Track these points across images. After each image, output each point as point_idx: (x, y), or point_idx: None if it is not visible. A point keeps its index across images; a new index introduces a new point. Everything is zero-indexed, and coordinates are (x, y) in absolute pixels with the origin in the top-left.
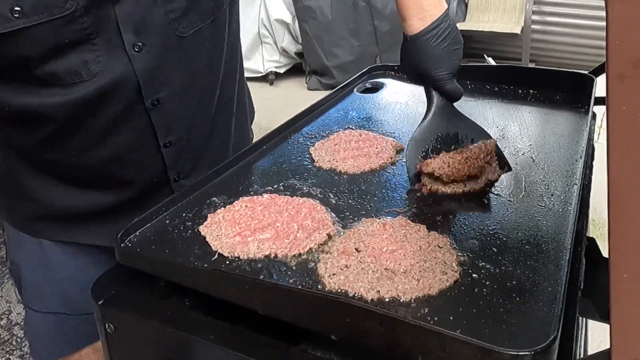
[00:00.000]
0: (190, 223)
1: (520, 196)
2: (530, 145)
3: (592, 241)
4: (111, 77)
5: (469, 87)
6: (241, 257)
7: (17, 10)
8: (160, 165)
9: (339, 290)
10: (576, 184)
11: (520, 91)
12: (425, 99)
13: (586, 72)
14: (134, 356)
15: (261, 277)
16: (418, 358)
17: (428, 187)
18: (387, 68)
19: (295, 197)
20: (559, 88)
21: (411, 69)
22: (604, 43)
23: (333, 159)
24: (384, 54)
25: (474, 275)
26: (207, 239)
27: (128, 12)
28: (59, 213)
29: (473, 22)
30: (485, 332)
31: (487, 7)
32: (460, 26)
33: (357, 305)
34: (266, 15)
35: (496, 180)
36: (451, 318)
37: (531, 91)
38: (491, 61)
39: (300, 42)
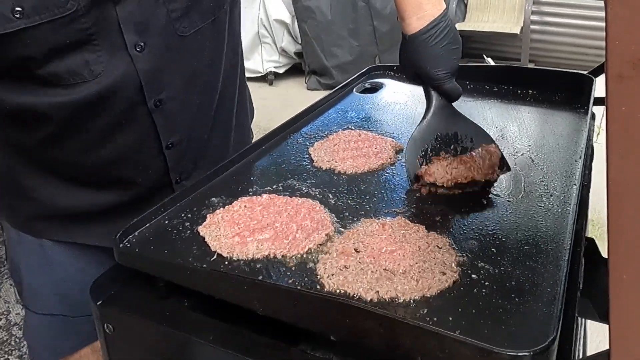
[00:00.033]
0: (189, 223)
1: (520, 196)
2: (530, 145)
3: (591, 241)
4: (113, 78)
5: (468, 87)
6: (240, 258)
7: (17, 11)
8: (163, 167)
9: (338, 291)
10: (575, 185)
11: (519, 91)
12: (424, 99)
13: (585, 72)
14: (133, 356)
15: (260, 277)
16: (417, 358)
17: (427, 189)
18: (386, 68)
19: (294, 197)
20: (558, 88)
21: (410, 68)
22: (603, 43)
23: (332, 159)
24: (384, 54)
25: (473, 275)
26: (206, 239)
27: (129, 12)
28: (60, 213)
29: (472, 22)
30: (485, 332)
31: (487, 7)
32: (460, 26)
33: (356, 306)
34: (265, 15)
35: (495, 180)
36: (450, 318)
37: (530, 91)
38: (490, 61)
39: (300, 42)
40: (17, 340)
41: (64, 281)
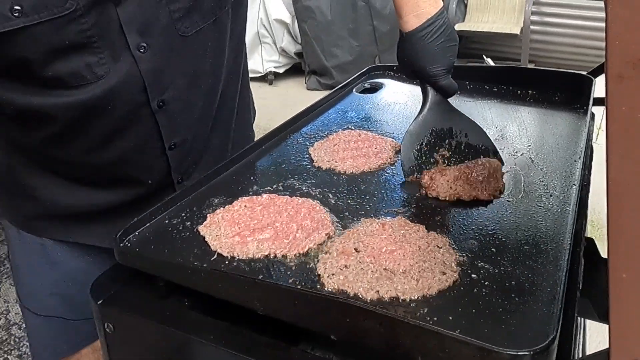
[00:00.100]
0: (189, 223)
1: (519, 196)
2: (529, 145)
3: (590, 241)
4: (117, 79)
5: (468, 87)
6: (240, 257)
7: (16, 9)
8: (165, 167)
9: (338, 290)
10: (575, 185)
11: (519, 92)
12: None
13: (585, 72)
14: (133, 356)
15: (260, 277)
16: (417, 358)
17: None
18: (386, 68)
19: (294, 197)
20: (558, 88)
21: (407, 65)
22: (603, 44)
23: (332, 159)
24: (383, 54)
25: (473, 275)
26: (207, 239)
27: (131, 13)
28: (61, 212)
29: (472, 23)
30: (485, 332)
31: (487, 7)
32: (460, 26)
33: (357, 305)
34: (265, 15)
35: (498, 198)
36: (450, 318)
37: (530, 92)
38: (490, 61)
39: (300, 42)
40: (17, 339)
41: (64, 281)
